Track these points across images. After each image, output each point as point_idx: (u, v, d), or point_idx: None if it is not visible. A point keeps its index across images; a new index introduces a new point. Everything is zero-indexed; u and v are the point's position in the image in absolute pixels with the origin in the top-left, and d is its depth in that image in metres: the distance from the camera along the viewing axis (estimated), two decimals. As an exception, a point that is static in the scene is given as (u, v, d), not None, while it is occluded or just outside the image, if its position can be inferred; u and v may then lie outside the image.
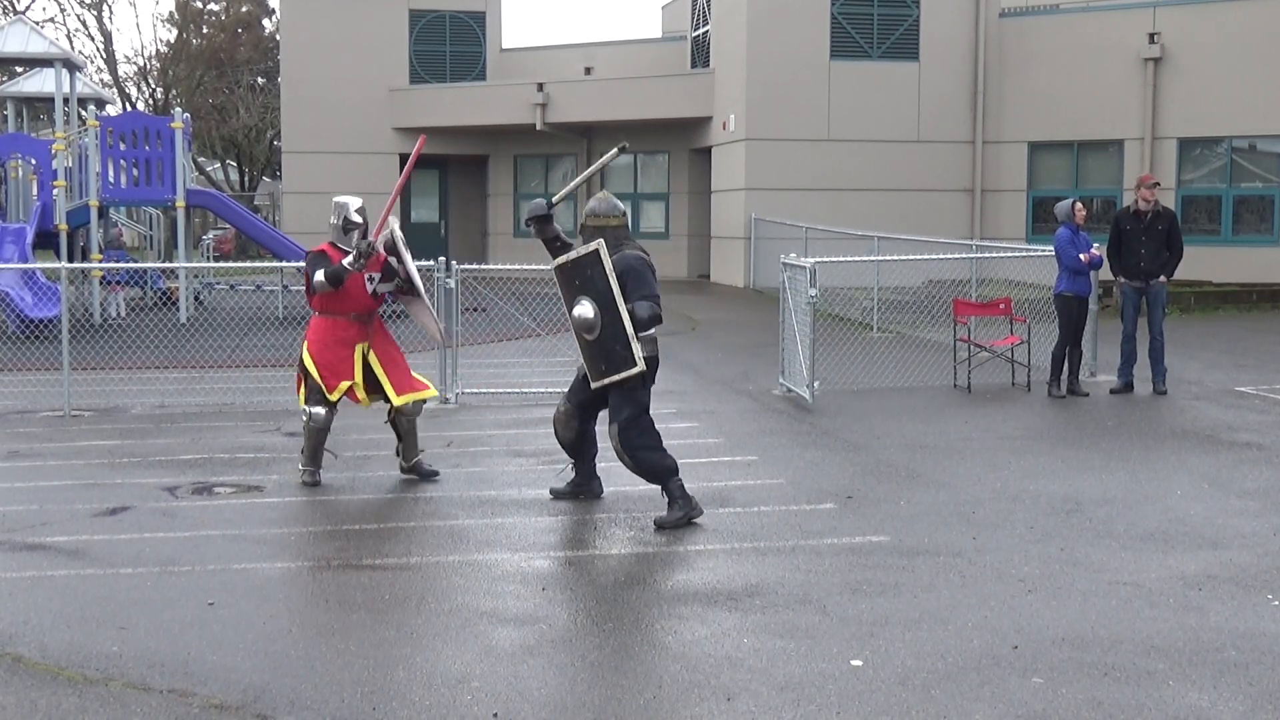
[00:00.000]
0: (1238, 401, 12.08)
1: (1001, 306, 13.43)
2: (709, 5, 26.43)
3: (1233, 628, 5.76)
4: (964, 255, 18.15)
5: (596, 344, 7.70)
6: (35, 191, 21.50)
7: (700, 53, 27.36)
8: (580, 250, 7.76)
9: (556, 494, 8.34)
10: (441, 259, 12.64)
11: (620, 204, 8.17)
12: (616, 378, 7.64)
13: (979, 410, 11.77)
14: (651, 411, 7.91)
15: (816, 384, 11.88)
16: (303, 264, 9.10)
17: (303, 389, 8.75)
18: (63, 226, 20.13)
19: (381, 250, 8.66)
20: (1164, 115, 22.92)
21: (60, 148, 20.34)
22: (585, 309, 7.64)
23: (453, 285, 12.39)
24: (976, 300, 15.00)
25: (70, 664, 5.35)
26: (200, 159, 45.07)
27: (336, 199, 8.86)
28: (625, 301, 7.59)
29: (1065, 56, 23.66)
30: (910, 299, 18.44)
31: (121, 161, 21.77)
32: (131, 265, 19.67)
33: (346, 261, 8.43)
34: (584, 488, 8.34)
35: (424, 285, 9.10)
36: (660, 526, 7.57)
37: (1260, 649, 5.48)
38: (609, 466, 9.26)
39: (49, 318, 16.67)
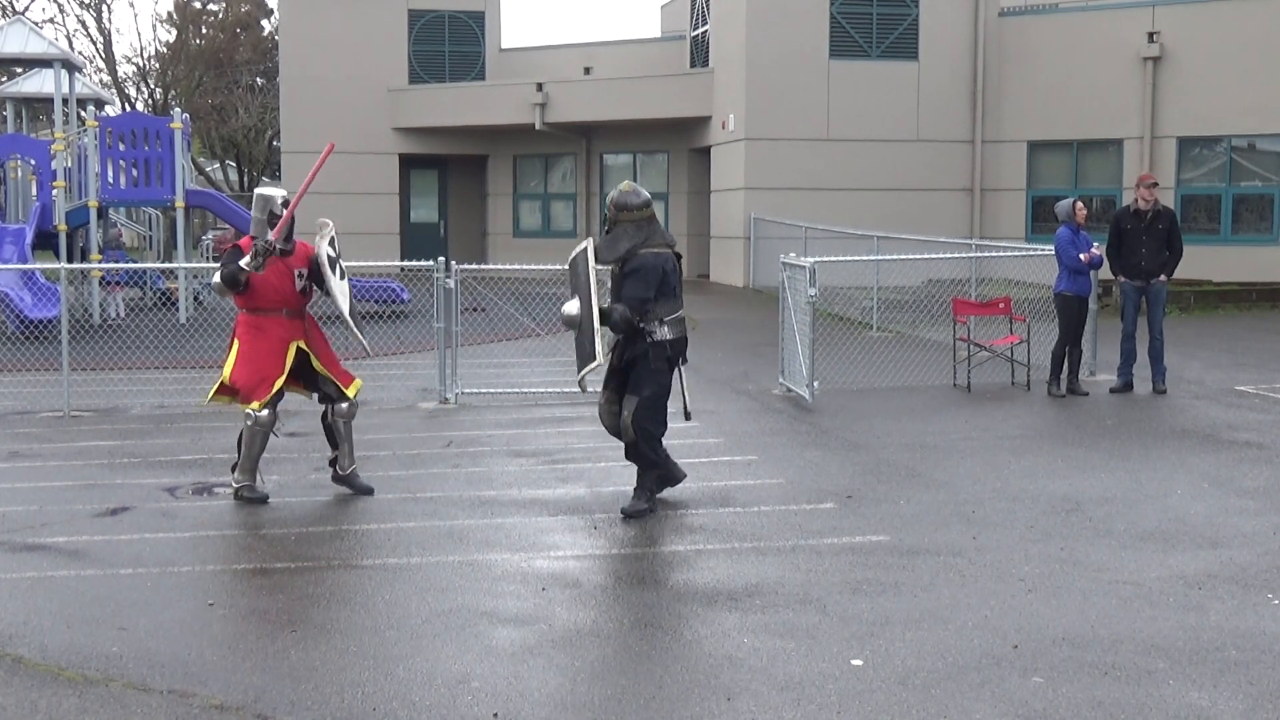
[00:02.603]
0: (1238, 401, 12.08)
1: (1001, 306, 13.43)
2: (708, 5, 26.43)
3: (1233, 627, 5.76)
4: (964, 255, 18.16)
5: (578, 339, 7.99)
6: (35, 192, 21.51)
7: (700, 52, 27.36)
8: (575, 250, 7.98)
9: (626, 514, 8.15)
10: (441, 259, 12.63)
11: (643, 193, 8.10)
12: (582, 372, 7.92)
13: (979, 410, 11.77)
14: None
15: (816, 384, 11.88)
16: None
17: (216, 386, 8.30)
18: (62, 227, 20.13)
19: (277, 247, 8.14)
20: (1164, 114, 22.92)
21: (60, 148, 20.34)
22: (570, 306, 7.93)
23: (452, 285, 12.39)
24: (976, 300, 15.00)
25: (70, 664, 5.35)
26: (200, 159, 45.07)
27: (260, 191, 8.48)
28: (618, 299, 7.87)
29: (1065, 55, 23.66)
30: (910, 299, 18.44)
31: (121, 162, 21.75)
32: (131, 265, 19.67)
33: (244, 262, 8.00)
34: (665, 478, 8.22)
35: (348, 305, 8.56)
36: (627, 516, 7.80)
37: (1260, 648, 5.48)
38: (609, 467, 9.26)
39: (48, 318, 16.67)
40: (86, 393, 12.41)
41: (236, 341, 8.32)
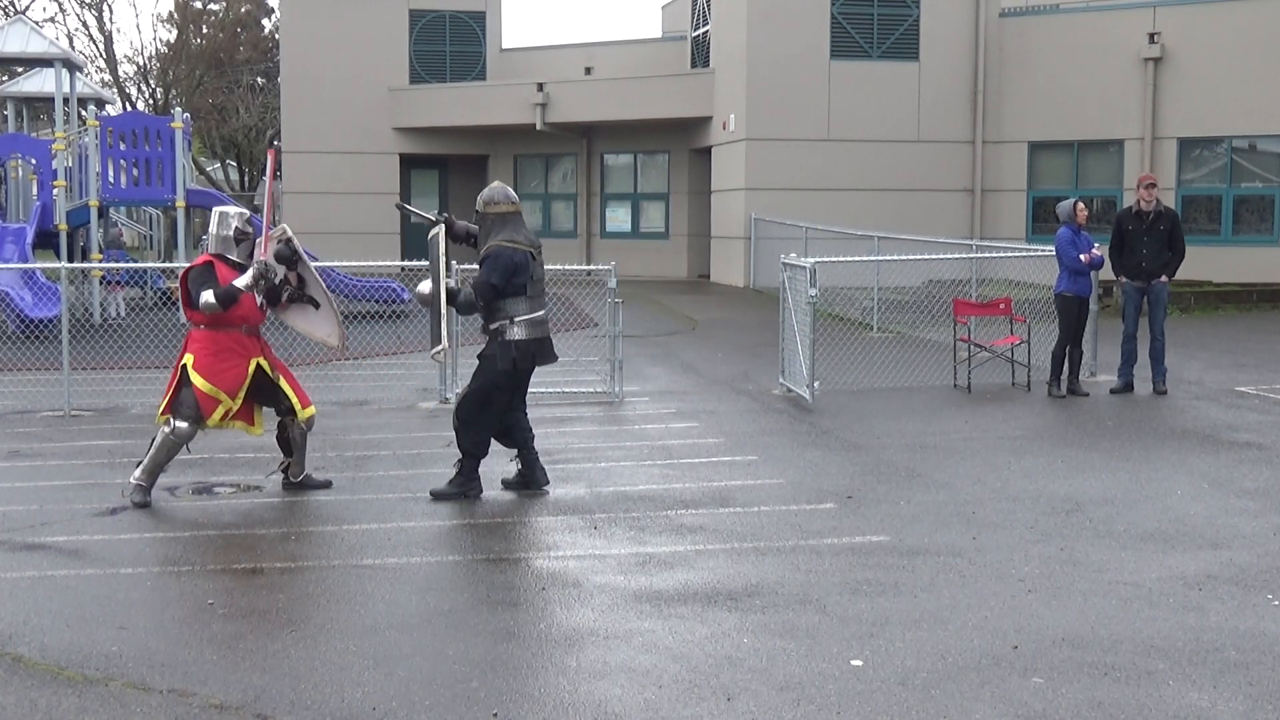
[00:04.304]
0: (1238, 401, 12.08)
1: (1001, 306, 13.43)
2: (709, 5, 26.43)
3: (1233, 628, 5.76)
4: (964, 255, 18.15)
5: (431, 319, 8.28)
6: (35, 191, 21.52)
7: (700, 52, 27.36)
8: (431, 231, 8.37)
9: (506, 484, 8.56)
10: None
11: (510, 192, 8.38)
12: (431, 352, 8.27)
13: (979, 410, 11.77)
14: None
15: (816, 384, 11.87)
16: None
17: (169, 399, 8.22)
18: (63, 226, 20.13)
19: (277, 268, 8.26)
20: (1164, 115, 22.91)
21: (60, 148, 20.34)
22: (423, 286, 8.36)
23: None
24: (976, 300, 15.00)
25: (70, 664, 5.35)
26: (200, 159, 45.07)
27: (220, 209, 8.44)
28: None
29: (1065, 56, 23.65)
30: (910, 299, 18.44)
31: (121, 161, 21.76)
32: (131, 265, 19.67)
33: (241, 282, 8.01)
34: (529, 477, 8.50)
35: (325, 288, 8.68)
36: (435, 496, 8.19)
37: (1260, 649, 5.48)
38: (609, 467, 9.26)
39: (49, 318, 16.67)
40: (87, 392, 12.41)
41: (190, 356, 8.15)
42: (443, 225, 8.34)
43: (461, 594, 6.34)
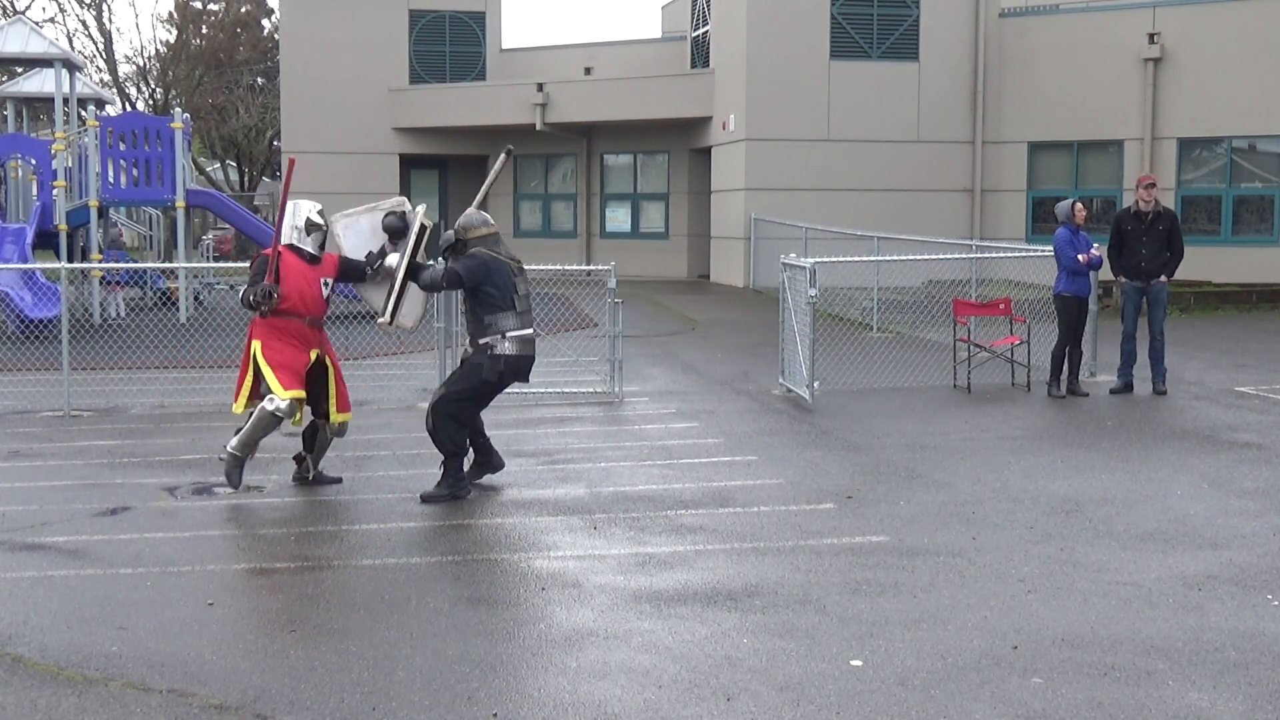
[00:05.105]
0: (1238, 401, 12.08)
1: (1001, 306, 13.43)
2: (709, 5, 26.43)
3: (1233, 628, 5.76)
4: (964, 255, 18.15)
5: (386, 290, 8.53)
6: (35, 191, 21.51)
7: (700, 53, 27.36)
8: (415, 208, 8.74)
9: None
10: (441, 259, 12.61)
11: (485, 215, 8.63)
12: (379, 320, 8.57)
13: (979, 410, 11.77)
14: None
15: (816, 384, 11.88)
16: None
17: (249, 389, 8.38)
18: (63, 226, 20.13)
19: (277, 295, 8.28)
20: (1164, 115, 22.91)
21: (60, 148, 20.34)
22: (392, 259, 8.55)
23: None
24: (976, 300, 15.00)
25: (70, 664, 5.35)
26: (200, 159, 45.07)
27: (295, 200, 8.58)
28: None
29: (1065, 56, 23.65)
30: (910, 299, 18.44)
31: (121, 161, 21.77)
32: (131, 265, 19.67)
33: (245, 295, 8.24)
34: (486, 464, 8.70)
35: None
36: (424, 500, 8.21)
37: (1260, 649, 5.48)
38: (609, 467, 9.26)
39: (49, 318, 16.67)
40: (86, 392, 12.41)
41: (257, 342, 8.33)
42: (423, 210, 8.69)
43: (461, 594, 6.34)
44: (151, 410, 11.96)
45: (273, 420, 8.31)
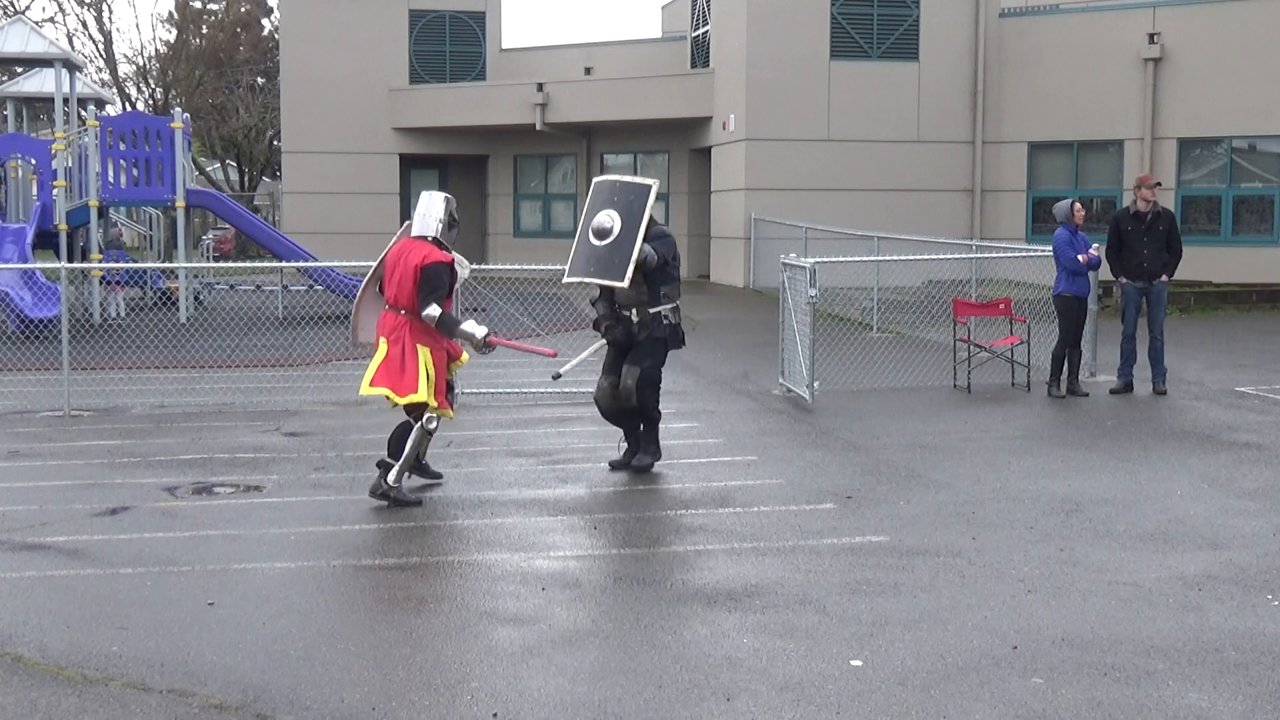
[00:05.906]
0: (1238, 401, 12.08)
1: (1001, 306, 13.43)
2: (709, 5, 26.44)
3: (1233, 628, 5.76)
4: (964, 255, 18.15)
5: (601, 249, 8.70)
6: (35, 191, 21.52)
7: (700, 53, 27.37)
8: (635, 180, 9.06)
9: (614, 465, 9.18)
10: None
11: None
12: (598, 281, 8.77)
13: (979, 410, 11.77)
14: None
15: (816, 384, 11.88)
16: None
17: (441, 390, 8.19)
18: (63, 226, 20.14)
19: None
20: (1164, 115, 22.92)
21: (60, 148, 20.35)
22: (610, 217, 8.73)
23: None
24: (976, 300, 15.00)
25: (70, 664, 5.35)
26: (200, 159, 45.08)
27: (442, 194, 8.27)
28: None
29: (1065, 56, 23.66)
30: (910, 299, 18.44)
31: (121, 161, 21.76)
32: (131, 265, 19.68)
33: (473, 331, 8.09)
34: (634, 452, 9.20)
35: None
36: (640, 469, 8.98)
37: (1260, 649, 5.49)
38: (600, 467, 9.26)
39: (49, 318, 16.67)
40: (86, 392, 12.41)
41: (426, 350, 8.04)
42: (655, 184, 8.98)
43: (461, 594, 6.34)
44: (151, 410, 11.96)
45: (428, 438, 8.30)
